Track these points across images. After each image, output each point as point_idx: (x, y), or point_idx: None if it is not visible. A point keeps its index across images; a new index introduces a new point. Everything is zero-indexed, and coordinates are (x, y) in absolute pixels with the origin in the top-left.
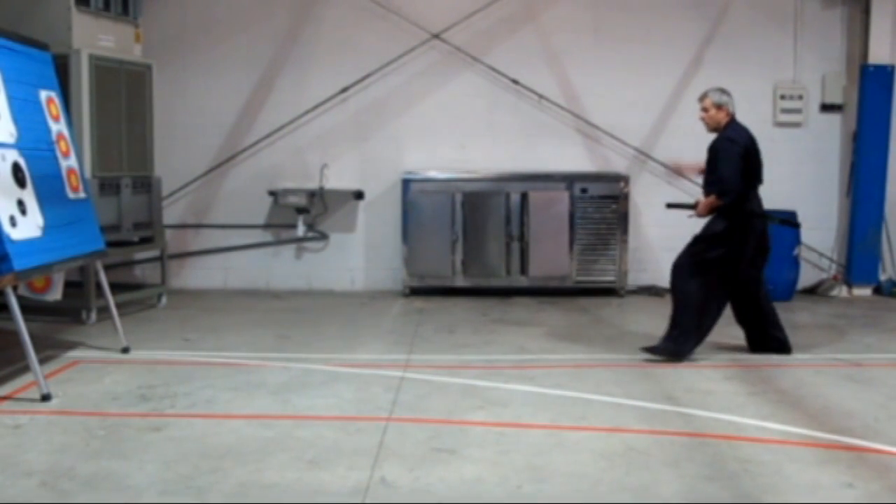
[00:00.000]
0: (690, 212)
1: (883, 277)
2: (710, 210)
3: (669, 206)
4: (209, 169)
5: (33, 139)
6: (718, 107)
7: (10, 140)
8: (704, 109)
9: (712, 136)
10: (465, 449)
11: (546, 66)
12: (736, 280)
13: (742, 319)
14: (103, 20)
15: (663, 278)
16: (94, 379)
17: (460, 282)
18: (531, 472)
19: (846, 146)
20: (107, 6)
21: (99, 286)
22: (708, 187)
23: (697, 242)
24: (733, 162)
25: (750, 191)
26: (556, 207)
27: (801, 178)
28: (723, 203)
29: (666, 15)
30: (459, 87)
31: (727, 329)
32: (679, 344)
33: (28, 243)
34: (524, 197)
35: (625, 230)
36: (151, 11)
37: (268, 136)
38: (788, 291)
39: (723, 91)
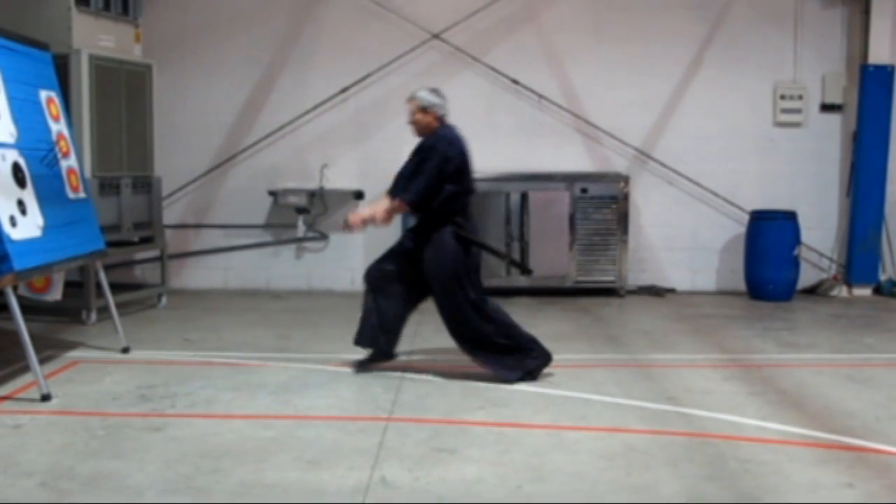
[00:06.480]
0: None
1: (883, 277)
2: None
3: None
4: (209, 169)
5: (33, 139)
6: (424, 110)
7: (10, 140)
8: (411, 112)
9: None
10: (465, 449)
11: (546, 66)
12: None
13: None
14: (103, 20)
15: (663, 278)
16: (94, 379)
17: None
18: (531, 472)
19: (846, 146)
20: (107, 6)
21: (99, 286)
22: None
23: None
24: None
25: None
26: (556, 207)
27: (801, 178)
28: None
29: (666, 15)
30: (459, 87)
31: (728, 330)
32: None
33: (28, 243)
34: (524, 197)
35: (625, 230)
36: (151, 11)
37: (268, 136)
38: (788, 291)
39: (434, 91)
